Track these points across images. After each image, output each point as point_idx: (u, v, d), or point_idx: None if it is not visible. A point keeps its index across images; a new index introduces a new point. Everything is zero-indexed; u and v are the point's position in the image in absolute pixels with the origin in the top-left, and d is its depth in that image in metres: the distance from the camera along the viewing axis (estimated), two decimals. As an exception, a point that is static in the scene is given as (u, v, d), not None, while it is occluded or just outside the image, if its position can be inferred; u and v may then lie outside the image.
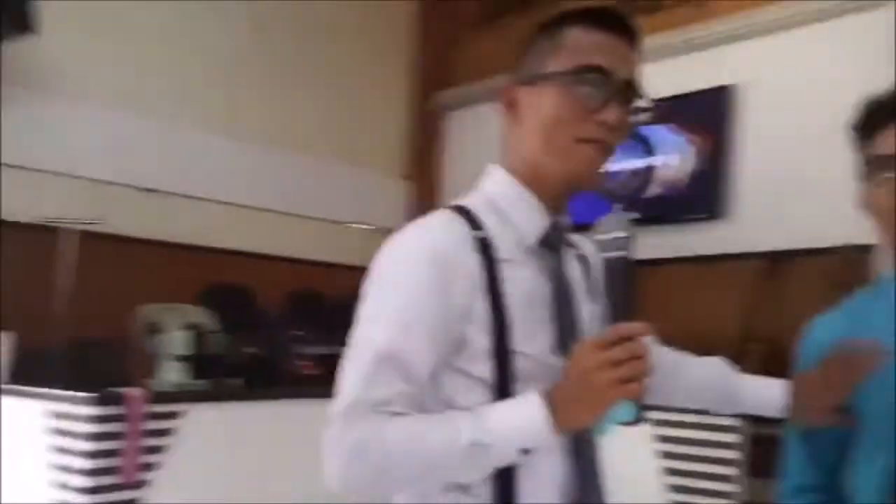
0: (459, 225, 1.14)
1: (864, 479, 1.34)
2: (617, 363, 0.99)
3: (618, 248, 1.06)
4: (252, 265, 5.29)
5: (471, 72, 6.18)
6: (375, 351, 1.07)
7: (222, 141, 5.31)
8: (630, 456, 1.20)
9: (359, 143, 6.14)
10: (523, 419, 1.03)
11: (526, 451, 1.05)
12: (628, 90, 1.14)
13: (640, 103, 1.16)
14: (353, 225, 5.82)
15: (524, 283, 1.14)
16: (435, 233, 1.12)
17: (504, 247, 1.14)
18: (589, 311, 1.22)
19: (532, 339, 1.12)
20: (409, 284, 1.09)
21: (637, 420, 1.03)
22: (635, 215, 5.05)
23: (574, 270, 1.23)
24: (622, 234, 1.06)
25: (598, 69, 1.12)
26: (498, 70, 5.74)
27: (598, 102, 1.12)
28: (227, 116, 5.38)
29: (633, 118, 1.17)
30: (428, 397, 1.11)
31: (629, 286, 1.05)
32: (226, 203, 5.31)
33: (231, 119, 5.39)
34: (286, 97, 5.68)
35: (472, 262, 1.10)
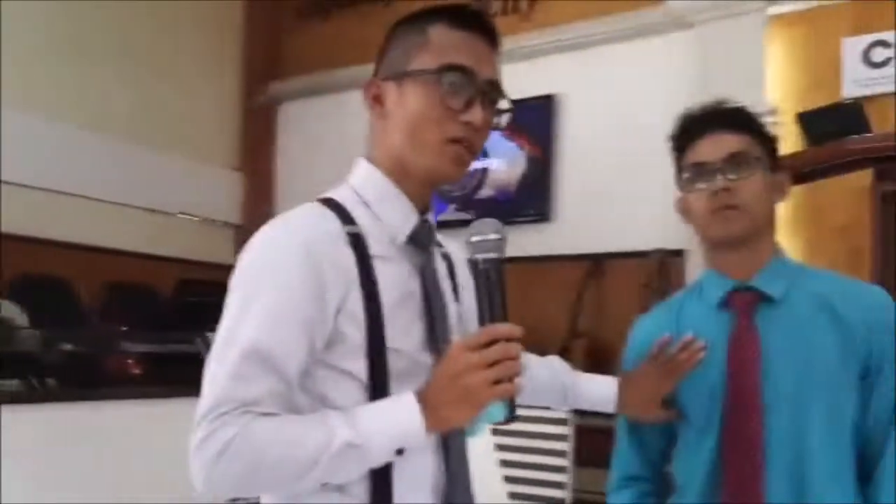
0: (331, 219, 1.12)
1: (690, 466, 1.45)
2: (489, 364, 1.01)
3: (491, 250, 1.06)
4: (69, 256, 4.95)
5: (302, 64, 6.13)
6: (242, 348, 1.03)
7: (39, 123, 4.93)
8: (472, 449, 1.22)
9: (189, 133, 5.92)
10: (397, 420, 1.03)
11: (400, 452, 1.04)
12: (491, 90, 1.16)
13: (502, 104, 1.19)
14: (181, 215, 5.60)
15: (396, 280, 1.13)
16: (307, 227, 1.10)
17: (376, 242, 1.13)
18: (455, 311, 1.24)
19: (404, 336, 1.12)
20: (279, 279, 1.06)
21: (509, 420, 1.05)
22: (469, 215, 5.19)
23: (441, 269, 1.24)
24: (495, 236, 1.07)
25: (462, 69, 1.13)
26: (330, 63, 5.74)
27: (462, 102, 1.13)
28: (46, 98, 5.01)
29: (495, 119, 1.20)
30: (301, 394, 1.09)
31: (501, 288, 1.06)
32: (40, 189, 4.94)
33: (50, 101, 5.03)
34: (111, 81, 5.38)
35: (345, 258, 1.09)
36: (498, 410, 1.03)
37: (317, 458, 1.01)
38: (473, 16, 1.17)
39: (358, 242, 1.11)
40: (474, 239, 1.07)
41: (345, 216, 1.13)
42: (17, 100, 4.82)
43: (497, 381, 1.01)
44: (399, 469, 1.09)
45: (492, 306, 1.06)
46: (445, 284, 1.24)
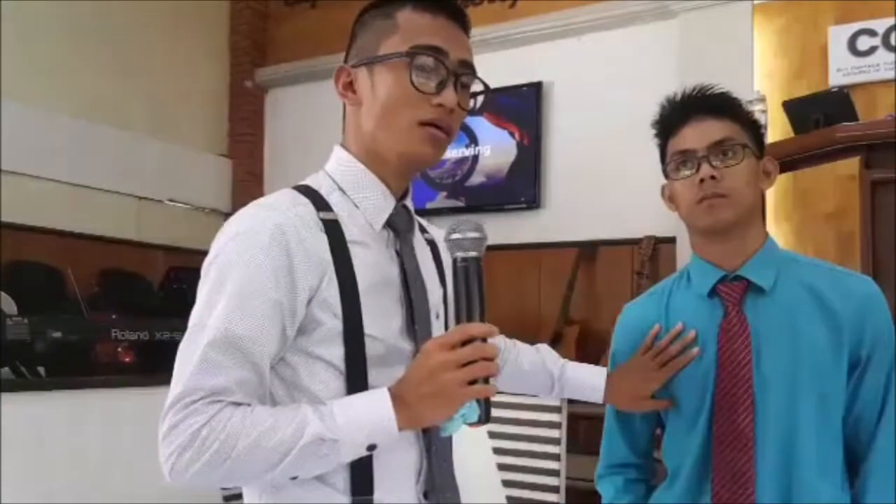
0: (304, 205, 1.10)
1: (680, 455, 1.46)
2: (464, 364, 0.99)
3: (470, 249, 1.05)
4: (58, 243, 4.92)
5: (289, 51, 6.10)
6: (211, 336, 1.01)
7: (26, 111, 4.88)
8: (465, 439, 1.21)
9: (177, 120, 5.87)
10: (370, 415, 1.01)
11: (372, 448, 1.03)
12: (463, 71, 1.14)
13: (475, 86, 1.18)
14: (170, 203, 5.57)
15: (374, 266, 1.12)
16: (278, 213, 1.08)
17: (352, 228, 1.12)
18: (438, 295, 1.23)
19: (383, 322, 1.11)
20: (249, 266, 1.04)
21: (482, 421, 1.03)
22: (460, 202, 5.19)
23: (423, 254, 1.24)
24: (475, 234, 1.05)
25: (432, 49, 1.11)
26: (317, 49, 5.71)
27: (434, 84, 1.11)
28: (33, 86, 4.94)
29: (469, 101, 1.18)
30: (277, 381, 1.08)
31: (479, 286, 1.05)
32: (28, 176, 4.89)
33: (37, 89, 4.96)
34: (98, 69, 5.31)
35: (319, 244, 1.07)
36: (471, 411, 1.02)
37: (286, 451, 0.99)
38: None
39: (333, 228, 1.10)
40: (453, 237, 1.06)
41: (320, 202, 1.12)
42: (6, 88, 4.78)
43: (472, 382, 0.99)
44: (380, 460, 1.08)
45: (469, 305, 1.04)
46: (429, 270, 1.23)
